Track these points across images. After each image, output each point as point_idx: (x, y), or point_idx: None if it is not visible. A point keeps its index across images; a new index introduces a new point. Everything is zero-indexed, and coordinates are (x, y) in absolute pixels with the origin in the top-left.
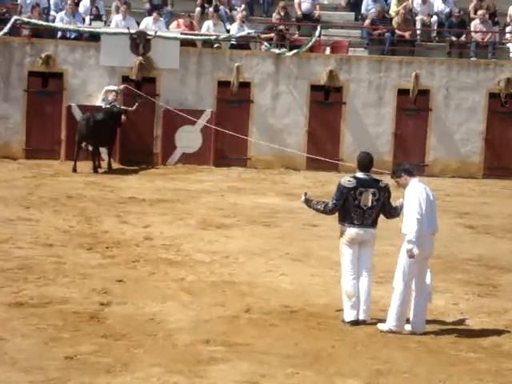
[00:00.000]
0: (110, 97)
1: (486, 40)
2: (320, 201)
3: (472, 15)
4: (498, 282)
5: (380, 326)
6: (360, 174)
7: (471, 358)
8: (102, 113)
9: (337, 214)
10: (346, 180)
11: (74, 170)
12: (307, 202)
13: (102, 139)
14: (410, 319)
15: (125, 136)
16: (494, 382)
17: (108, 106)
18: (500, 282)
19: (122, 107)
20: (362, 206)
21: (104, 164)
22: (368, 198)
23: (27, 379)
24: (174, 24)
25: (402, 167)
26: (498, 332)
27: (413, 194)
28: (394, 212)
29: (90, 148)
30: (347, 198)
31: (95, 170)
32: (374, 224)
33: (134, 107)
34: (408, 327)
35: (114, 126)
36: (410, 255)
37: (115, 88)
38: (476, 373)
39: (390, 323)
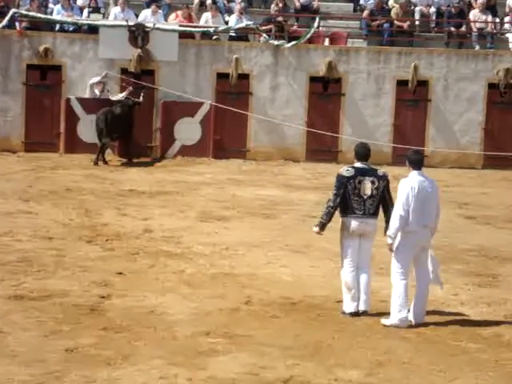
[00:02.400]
0: (98, 89)
1: (485, 30)
2: (323, 208)
3: (473, 5)
4: (497, 272)
5: (383, 320)
6: (358, 164)
7: (471, 349)
8: (120, 106)
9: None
10: (345, 170)
11: (96, 163)
12: (321, 223)
13: (123, 133)
14: (411, 309)
15: None
16: (494, 372)
17: (122, 98)
18: (500, 272)
19: (135, 99)
20: (362, 195)
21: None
22: (367, 187)
23: (27, 372)
24: (172, 16)
25: (410, 156)
26: (497, 322)
27: (403, 189)
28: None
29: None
30: (347, 187)
31: (96, 162)
32: (375, 214)
33: (141, 99)
34: (410, 316)
35: (131, 119)
36: (389, 249)
37: (99, 79)
38: (476, 363)
39: (394, 317)
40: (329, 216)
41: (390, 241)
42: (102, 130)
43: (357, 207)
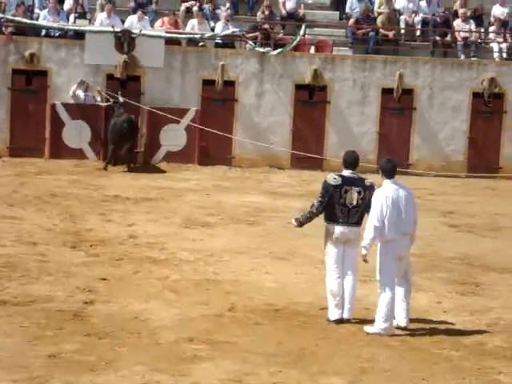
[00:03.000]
0: (81, 89)
1: (469, 39)
2: (306, 210)
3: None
4: (480, 280)
5: (367, 328)
6: (346, 172)
7: (454, 357)
8: (127, 113)
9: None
10: (332, 178)
11: (105, 169)
12: (299, 221)
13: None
14: (396, 315)
15: (107, 135)
16: (477, 380)
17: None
18: (483, 280)
19: (117, 100)
20: (348, 205)
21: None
22: (353, 197)
23: (10, 378)
24: (158, 22)
25: (383, 165)
26: (480, 331)
27: (377, 199)
28: None
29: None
30: (332, 195)
31: (106, 167)
32: (358, 223)
33: (121, 99)
34: (395, 321)
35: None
36: (363, 259)
37: (75, 87)
38: (458, 371)
39: (378, 326)
40: (308, 220)
41: (364, 251)
42: (125, 135)
43: (340, 215)
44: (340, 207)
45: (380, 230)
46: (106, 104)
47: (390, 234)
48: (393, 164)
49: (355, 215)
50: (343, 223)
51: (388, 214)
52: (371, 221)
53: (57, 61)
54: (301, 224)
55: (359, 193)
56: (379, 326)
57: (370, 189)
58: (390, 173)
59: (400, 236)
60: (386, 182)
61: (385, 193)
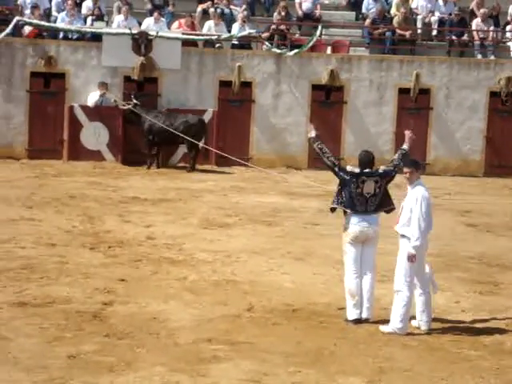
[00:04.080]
0: (100, 91)
1: (487, 39)
2: (328, 152)
3: (476, 13)
4: (499, 280)
5: (382, 327)
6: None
7: (472, 356)
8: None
9: (340, 212)
10: (350, 167)
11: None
12: (315, 139)
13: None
14: (417, 317)
15: (127, 136)
16: (496, 379)
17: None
18: (501, 280)
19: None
20: (365, 194)
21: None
22: (371, 186)
23: (30, 379)
24: (175, 24)
25: (412, 161)
26: (499, 330)
27: (422, 198)
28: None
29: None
30: (347, 184)
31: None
32: (377, 210)
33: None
34: (414, 323)
35: None
36: (412, 260)
37: (96, 99)
38: (477, 370)
39: (394, 325)
40: (319, 148)
41: (413, 252)
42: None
43: (358, 204)
44: (357, 197)
45: (426, 228)
46: (126, 107)
47: (426, 235)
48: (420, 163)
49: (373, 204)
50: (361, 212)
51: (430, 213)
52: (419, 221)
53: (74, 63)
54: (314, 142)
55: (376, 182)
56: (395, 325)
57: (385, 174)
58: (421, 169)
59: (427, 236)
60: (420, 182)
61: (426, 193)
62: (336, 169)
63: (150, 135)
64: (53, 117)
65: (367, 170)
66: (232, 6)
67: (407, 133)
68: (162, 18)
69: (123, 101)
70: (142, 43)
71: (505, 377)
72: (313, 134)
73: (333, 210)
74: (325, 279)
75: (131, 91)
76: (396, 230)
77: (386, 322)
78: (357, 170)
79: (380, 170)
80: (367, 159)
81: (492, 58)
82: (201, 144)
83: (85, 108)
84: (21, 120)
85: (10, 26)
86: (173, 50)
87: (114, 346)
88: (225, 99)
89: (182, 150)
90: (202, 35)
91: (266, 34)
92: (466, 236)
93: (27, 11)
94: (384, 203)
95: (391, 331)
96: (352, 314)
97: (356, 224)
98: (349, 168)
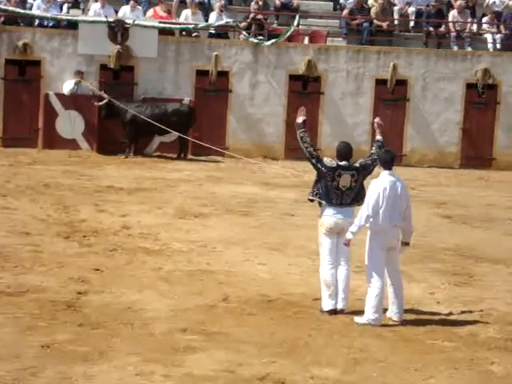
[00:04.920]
0: (76, 79)
1: (464, 31)
2: (308, 142)
3: (452, 4)
4: (474, 271)
5: (357, 319)
6: (341, 163)
7: (447, 347)
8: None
9: (316, 203)
10: (328, 160)
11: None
12: (301, 126)
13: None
14: (390, 308)
15: (101, 125)
16: (469, 370)
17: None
18: (476, 271)
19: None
20: (341, 187)
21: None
22: (347, 180)
23: (3, 368)
24: (150, 12)
25: (382, 155)
26: (473, 321)
27: (375, 189)
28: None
29: None
30: (324, 176)
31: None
32: (351, 204)
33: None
34: (388, 314)
35: None
36: (347, 243)
37: (71, 87)
38: (452, 362)
39: (368, 316)
40: (302, 140)
41: (350, 236)
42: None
43: (334, 197)
44: (333, 190)
45: (370, 219)
46: (101, 103)
47: (383, 225)
48: (391, 155)
49: (349, 196)
50: (336, 205)
51: (384, 205)
52: (364, 209)
53: (50, 51)
54: (299, 128)
55: (352, 176)
56: (369, 316)
57: (362, 169)
58: (387, 164)
59: (391, 227)
60: (384, 173)
61: (383, 184)
62: (314, 160)
63: (133, 126)
64: (28, 105)
65: (344, 164)
66: None
67: (376, 121)
68: (139, 6)
69: (99, 90)
70: (118, 31)
71: (478, 368)
72: (300, 119)
73: (311, 200)
74: (300, 270)
75: (102, 88)
76: None
77: (361, 312)
78: (334, 164)
79: (357, 164)
80: (345, 150)
81: (469, 49)
82: (176, 133)
83: (60, 96)
84: None
85: None
86: (149, 39)
87: (88, 335)
88: (201, 88)
89: (158, 139)
90: (179, 24)
91: (243, 24)
92: (441, 227)
93: None
94: (359, 196)
95: (366, 322)
96: (327, 304)
97: (331, 216)
98: (327, 160)
